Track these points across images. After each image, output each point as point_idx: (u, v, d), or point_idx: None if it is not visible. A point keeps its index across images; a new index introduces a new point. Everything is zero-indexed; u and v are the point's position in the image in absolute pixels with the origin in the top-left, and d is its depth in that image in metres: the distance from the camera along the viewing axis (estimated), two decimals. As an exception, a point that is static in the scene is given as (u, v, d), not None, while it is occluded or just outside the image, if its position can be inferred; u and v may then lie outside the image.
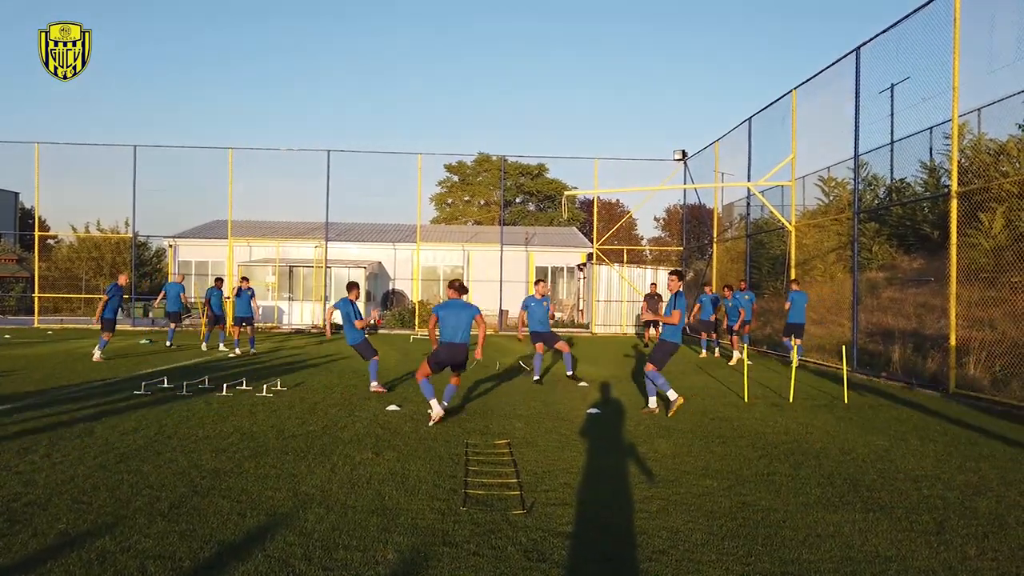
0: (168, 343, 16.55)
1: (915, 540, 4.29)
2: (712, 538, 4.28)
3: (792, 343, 13.36)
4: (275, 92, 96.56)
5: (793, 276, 15.74)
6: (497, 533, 4.32)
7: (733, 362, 14.52)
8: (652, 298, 19.68)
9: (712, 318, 16.34)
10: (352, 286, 10.12)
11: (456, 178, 53.64)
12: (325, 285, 25.54)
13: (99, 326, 14.00)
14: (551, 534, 4.33)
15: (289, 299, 26.37)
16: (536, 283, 11.79)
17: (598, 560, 3.95)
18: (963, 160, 11.94)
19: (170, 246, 30.29)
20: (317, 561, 3.84)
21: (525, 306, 11.67)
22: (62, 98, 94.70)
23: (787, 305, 13.90)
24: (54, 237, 39.64)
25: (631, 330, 25.02)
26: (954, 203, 10.12)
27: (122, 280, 14.59)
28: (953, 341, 10.23)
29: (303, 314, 25.81)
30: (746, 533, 4.37)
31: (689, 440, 7.13)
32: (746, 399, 9.78)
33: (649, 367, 8.62)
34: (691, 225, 27.75)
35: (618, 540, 4.25)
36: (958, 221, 10.24)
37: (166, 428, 7.20)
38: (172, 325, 16.80)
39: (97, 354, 13.46)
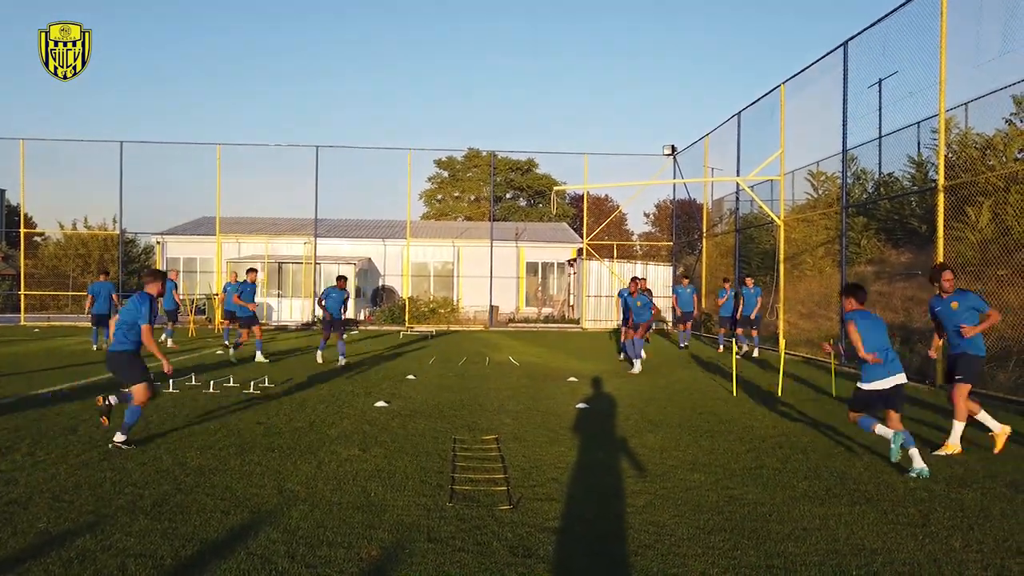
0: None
1: (901, 532, 4.30)
2: (698, 532, 4.27)
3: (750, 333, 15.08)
4: (263, 88, 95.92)
5: (782, 270, 15.80)
6: (483, 529, 4.30)
7: (756, 352, 15.07)
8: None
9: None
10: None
11: (446, 174, 53.50)
12: (315, 282, 25.42)
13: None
14: (537, 529, 4.31)
15: (279, 296, 26.23)
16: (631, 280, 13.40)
17: (584, 555, 3.93)
18: (950, 154, 11.99)
19: (158, 243, 30.06)
20: (300, 558, 3.80)
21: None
22: (48, 94, 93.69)
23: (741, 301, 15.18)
24: (40, 234, 39.28)
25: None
26: (941, 197, 10.16)
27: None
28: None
29: (292, 311, 25.68)
30: (732, 527, 4.36)
31: (677, 434, 7.13)
32: (735, 393, 9.79)
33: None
34: (681, 220, 27.78)
35: (604, 535, 4.24)
36: (945, 215, 10.28)
37: (151, 425, 7.14)
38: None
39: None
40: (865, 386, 5.88)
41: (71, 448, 6.12)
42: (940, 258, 10.12)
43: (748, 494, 5.07)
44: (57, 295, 32.09)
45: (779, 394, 9.71)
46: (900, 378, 5.84)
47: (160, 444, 6.36)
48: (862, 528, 4.36)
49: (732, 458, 6.15)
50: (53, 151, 25.87)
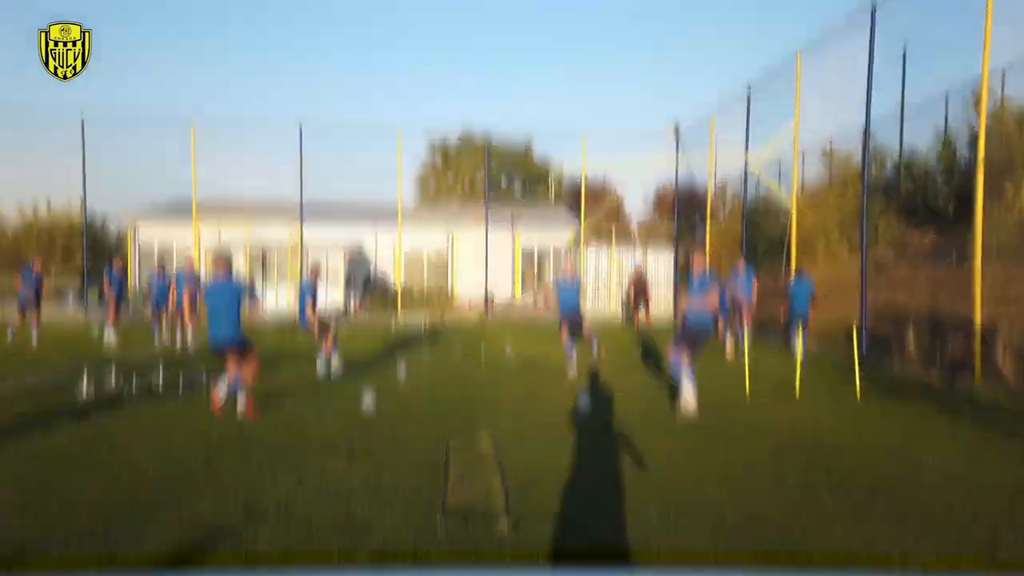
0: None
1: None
2: (722, 561, 3.58)
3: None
4: (242, 56, 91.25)
5: (794, 254, 15.01)
6: (480, 555, 3.64)
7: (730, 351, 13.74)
8: (639, 280, 19.34)
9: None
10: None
11: (439, 159, 52.57)
12: (301, 269, 24.55)
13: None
14: (541, 555, 3.62)
15: (263, 283, 25.34)
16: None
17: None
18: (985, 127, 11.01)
19: (130, 227, 28.43)
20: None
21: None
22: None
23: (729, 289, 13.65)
24: (-8, 216, 36.85)
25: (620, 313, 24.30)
26: (980, 170, 9.23)
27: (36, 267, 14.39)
28: (978, 324, 9.43)
29: (277, 299, 24.76)
30: (763, 556, 3.67)
31: (688, 439, 6.42)
32: (747, 392, 8.97)
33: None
34: (682, 204, 26.97)
35: (619, 563, 3.57)
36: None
37: (113, 432, 6.38)
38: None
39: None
40: None
41: (16, 462, 5.42)
42: (978, 240, 9.25)
43: (773, 512, 4.39)
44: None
45: (797, 392, 8.88)
46: None
47: (123, 453, 5.65)
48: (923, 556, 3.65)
49: (750, 468, 5.46)
50: (8, 125, 24.05)
